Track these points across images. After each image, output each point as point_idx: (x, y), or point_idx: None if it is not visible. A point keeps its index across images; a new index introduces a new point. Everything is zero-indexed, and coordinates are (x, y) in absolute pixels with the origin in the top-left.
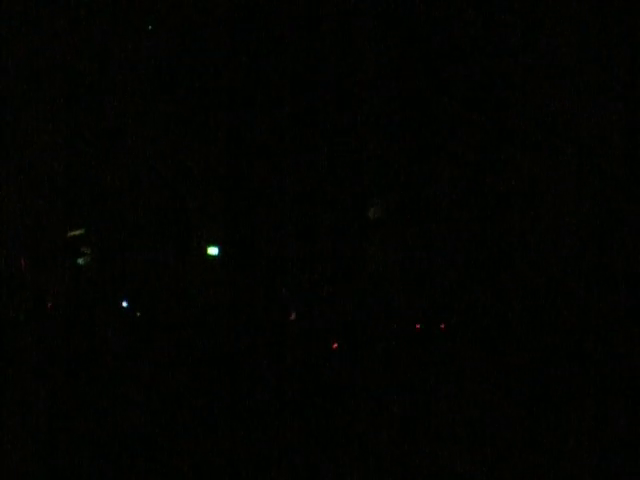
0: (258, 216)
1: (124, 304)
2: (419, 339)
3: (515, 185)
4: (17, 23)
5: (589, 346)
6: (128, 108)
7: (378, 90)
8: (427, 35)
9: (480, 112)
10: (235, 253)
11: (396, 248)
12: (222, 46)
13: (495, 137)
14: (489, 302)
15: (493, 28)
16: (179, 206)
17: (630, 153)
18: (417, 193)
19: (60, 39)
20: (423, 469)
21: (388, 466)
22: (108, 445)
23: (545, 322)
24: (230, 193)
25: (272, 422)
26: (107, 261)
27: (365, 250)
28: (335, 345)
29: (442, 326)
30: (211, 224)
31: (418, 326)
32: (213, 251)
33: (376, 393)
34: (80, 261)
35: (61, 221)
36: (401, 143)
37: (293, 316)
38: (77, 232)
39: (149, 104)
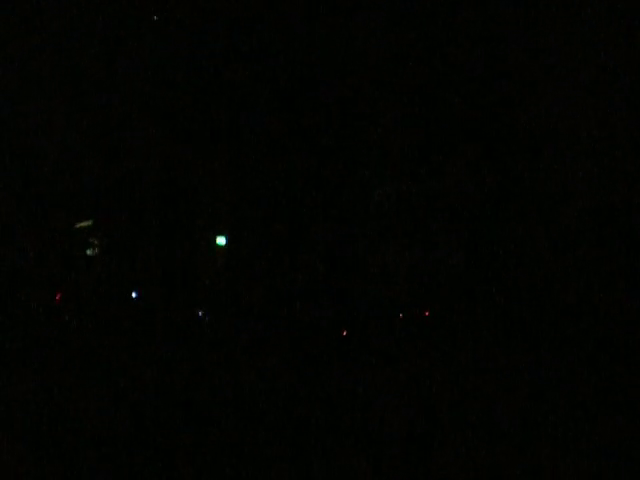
0: (265, 207)
1: (133, 294)
2: (425, 326)
3: (519, 178)
4: (19, 21)
5: (592, 341)
6: (136, 101)
7: (385, 87)
8: (436, 28)
9: (487, 106)
10: (242, 243)
11: (401, 238)
12: (232, 38)
13: (501, 132)
14: (494, 292)
15: (500, 25)
16: (187, 197)
17: (634, 151)
18: (421, 186)
19: (64, 36)
20: (431, 464)
21: (396, 460)
22: (115, 436)
23: (549, 315)
24: (238, 183)
25: (279, 410)
26: (116, 252)
27: (371, 240)
28: (344, 332)
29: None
30: (219, 214)
31: (427, 313)
32: (221, 241)
33: (383, 383)
34: (89, 252)
35: (69, 213)
36: (407, 136)
37: (299, 305)
38: (85, 224)
39: (157, 98)
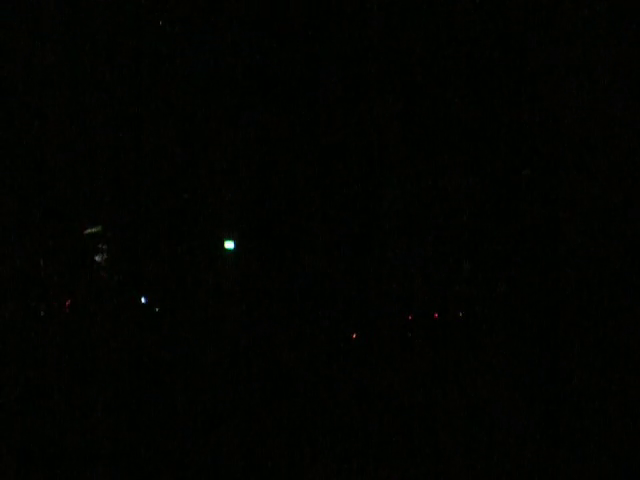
0: (274, 209)
1: (142, 300)
2: (436, 329)
3: (531, 177)
4: (20, 20)
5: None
6: (142, 104)
7: (389, 85)
8: (439, 26)
9: (491, 105)
10: (252, 246)
11: (412, 238)
12: (233, 37)
13: (506, 131)
14: (505, 293)
15: (505, 24)
16: (195, 201)
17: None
18: (431, 185)
19: (67, 35)
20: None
21: (400, 464)
22: (121, 443)
23: (553, 316)
24: (246, 187)
25: (280, 410)
26: (125, 257)
27: (381, 241)
28: (354, 335)
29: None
30: (227, 218)
31: (436, 315)
32: (229, 245)
33: (391, 386)
34: (98, 258)
35: (78, 219)
36: (412, 135)
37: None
38: (94, 229)
39: (164, 100)
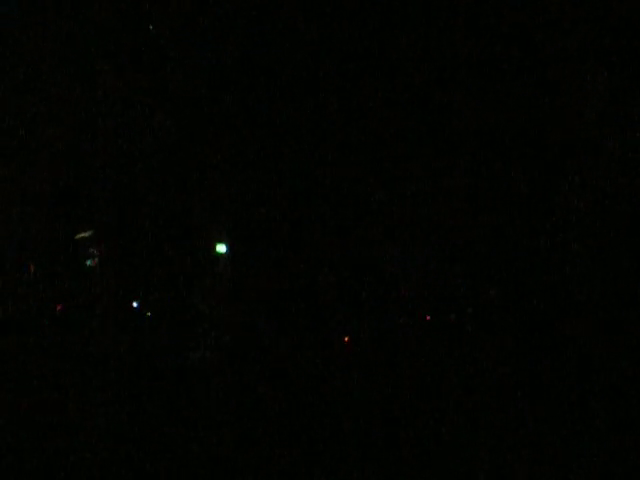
0: (266, 212)
1: (134, 304)
2: (430, 331)
3: (532, 176)
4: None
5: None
6: (132, 107)
7: (393, 84)
8: (444, 24)
9: (493, 104)
10: (244, 250)
11: (407, 240)
12: (235, 36)
13: (508, 130)
14: (501, 295)
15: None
16: (186, 204)
17: None
18: (428, 184)
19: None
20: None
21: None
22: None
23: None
24: (238, 190)
25: (282, 421)
26: (116, 262)
27: (375, 243)
28: (347, 339)
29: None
30: (219, 221)
31: (428, 317)
32: (221, 249)
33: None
34: (89, 262)
35: (69, 223)
36: (414, 135)
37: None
38: (85, 234)
39: (161, 103)
